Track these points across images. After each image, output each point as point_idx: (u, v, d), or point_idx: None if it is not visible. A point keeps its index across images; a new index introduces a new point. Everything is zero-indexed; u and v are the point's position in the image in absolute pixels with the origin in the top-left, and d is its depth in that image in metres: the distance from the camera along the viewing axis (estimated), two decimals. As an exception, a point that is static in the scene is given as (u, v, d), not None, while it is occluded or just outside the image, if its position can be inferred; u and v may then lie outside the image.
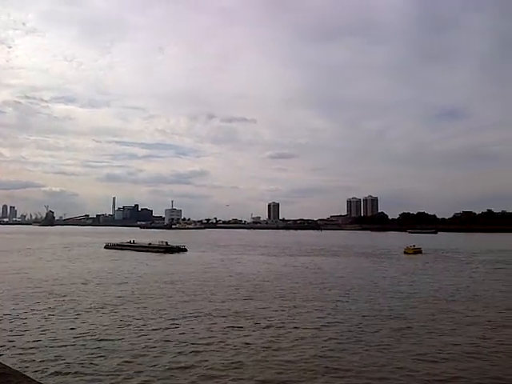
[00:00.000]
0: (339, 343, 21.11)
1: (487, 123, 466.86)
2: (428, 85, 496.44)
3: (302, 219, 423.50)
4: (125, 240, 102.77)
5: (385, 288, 39.24)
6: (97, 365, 18.18)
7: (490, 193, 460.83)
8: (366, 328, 24.12)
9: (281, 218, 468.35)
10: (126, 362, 18.55)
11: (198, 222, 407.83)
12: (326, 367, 17.78)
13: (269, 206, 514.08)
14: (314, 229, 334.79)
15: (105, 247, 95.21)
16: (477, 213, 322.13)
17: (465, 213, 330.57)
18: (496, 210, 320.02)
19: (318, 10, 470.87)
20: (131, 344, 21.05)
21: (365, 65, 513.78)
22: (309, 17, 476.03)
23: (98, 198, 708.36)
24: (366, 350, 19.98)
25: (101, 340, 21.75)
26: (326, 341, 21.56)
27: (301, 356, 19.13)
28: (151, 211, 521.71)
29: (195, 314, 27.54)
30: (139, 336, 22.50)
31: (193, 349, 20.26)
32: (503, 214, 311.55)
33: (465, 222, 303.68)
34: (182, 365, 18.21)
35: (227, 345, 20.88)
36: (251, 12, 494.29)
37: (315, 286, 40.38)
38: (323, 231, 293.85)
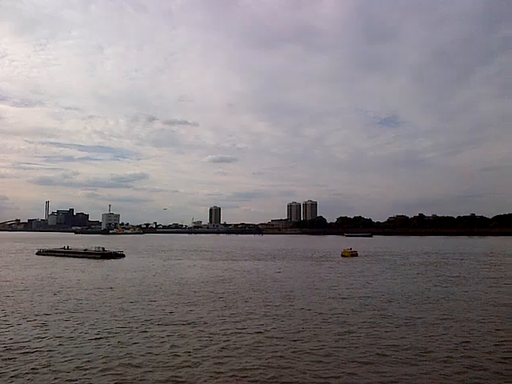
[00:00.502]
0: (282, 350, 21.12)
1: (420, 131, 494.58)
2: (366, 93, 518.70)
3: (244, 223, 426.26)
4: (59, 246, 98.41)
5: (324, 291, 39.98)
6: (27, 382, 17.05)
7: (421, 198, 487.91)
8: (307, 333, 24.33)
9: (222, 222, 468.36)
10: (59, 377, 17.53)
11: (137, 226, 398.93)
12: (270, 377, 17.68)
13: (210, 210, 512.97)
14: (255, 233, 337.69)
15: (37, 254, 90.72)
16: (409, 217, 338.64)
17: (398, 217, 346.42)
18: (427, 214, 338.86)
19: (261, 17, 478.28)
20: (65, 357, 19.93)
21: (306, 72, 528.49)
22: (253, 23, 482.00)
23: (31, 201, 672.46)
24: (308, 356, 20.15)
25: (32, 352, 20.45)
26: (268, 347, 21.51)
27: (244, 365, 18.91)
28: (87, 216, 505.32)
29: (135, 323, 26.59)
30: (74, 347, 21.37)
31: (132, 361, 19.45)
32: (434, 217, 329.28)
33: (398, 225, 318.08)
34: (122, 378, 17.43)
35: (168, 355, 20.28)
36: (195, 16, 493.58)
37: (257, 290, 40.44)
38: (264, 235, 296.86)
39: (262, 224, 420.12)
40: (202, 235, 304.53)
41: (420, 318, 28.24)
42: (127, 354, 20.33)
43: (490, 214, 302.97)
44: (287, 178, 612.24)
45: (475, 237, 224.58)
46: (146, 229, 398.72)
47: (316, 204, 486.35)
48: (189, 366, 18.58)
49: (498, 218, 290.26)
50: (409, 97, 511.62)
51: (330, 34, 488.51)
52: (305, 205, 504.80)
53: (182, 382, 16.97)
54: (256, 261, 76.44)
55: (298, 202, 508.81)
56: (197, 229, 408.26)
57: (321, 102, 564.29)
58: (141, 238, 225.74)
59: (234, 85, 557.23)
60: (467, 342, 22.39)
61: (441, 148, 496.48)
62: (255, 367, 18.43)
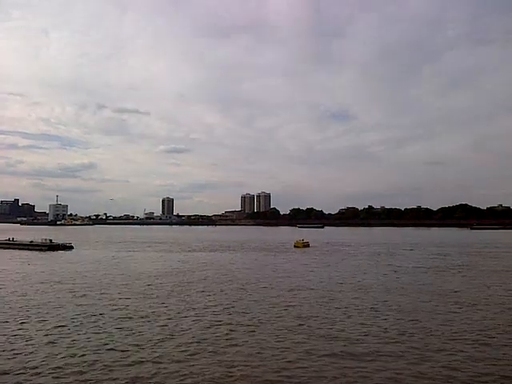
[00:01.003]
0: (239, 344, 21.04)
1: (369, 126, 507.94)
2: (317, 87, 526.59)
3: (197, 215, 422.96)
4: (3, 238, 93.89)
5: (279, 282, 40.25)
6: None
7: (370, 190, 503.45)
8: (264, 326, 24.36)
9: (175, 213, 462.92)
10: (5, 379, 16.62)
11: (86, 217, 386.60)
12: (228, 372, 17.55)
13: (163, 201, 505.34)
14: (208, 224, 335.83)
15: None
16: (359, 208, 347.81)
17: (348, 208, 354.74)
18: (376, 205, 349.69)
19: (214, 6, 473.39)
20: (12, 357, 18.92)
21: (259, 64, 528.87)
22: (205, 12, 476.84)
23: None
24: (266, 350, 20.16)
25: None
26: (226, 341, 21.37)
27: (202, 361, 18.71)
28: (33, 206, 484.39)
29: (86, 318, 25.65)
30: (22, 345, 20.33)
31: (87, 358, 18.69)
32: (382, 209, 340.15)
33: (349, 217, 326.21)
34: (77, 378, 16.71)
35: (124, 351, 19.68)
36: (146, 2, 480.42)
37: (213, 282, 40.15)
38: (218, 226, 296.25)
39: (215, 215, 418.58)
40: (155, 227, 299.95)
41: (372, 307, 28.96)
42: (81, 349, 19.57)
43: (434, 206, 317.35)
44: (241, 169, 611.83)
45: (421, 228, 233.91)
46: (96, 220, 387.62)
47: (269, 196, 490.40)
48: (146, 362, 18.05)
49: (442, 210, 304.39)
50: (359, 92, 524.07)
51: (283, 28, 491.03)
52: (258, 196, 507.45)
53: (142, 378, 16.44)
54: (210, 252, 76.07)
55: (251, 193, 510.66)
56: (149, 220, 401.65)
57: (273, 95, 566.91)
58: (90, 230, 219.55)
59: (187, 74, 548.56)
60: (416, 331, 23.09)
61: (389, 142, 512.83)
62: (213, 362, 18.21)
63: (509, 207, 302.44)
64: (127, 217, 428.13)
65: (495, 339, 21.43)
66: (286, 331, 22.90)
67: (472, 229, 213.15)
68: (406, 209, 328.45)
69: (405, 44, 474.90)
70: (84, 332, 22.58)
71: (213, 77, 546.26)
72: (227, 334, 22.35)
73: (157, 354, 19.00)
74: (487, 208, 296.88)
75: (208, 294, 34.04)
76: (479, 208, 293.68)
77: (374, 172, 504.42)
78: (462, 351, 19.53)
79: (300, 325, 24.24)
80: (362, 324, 24.35)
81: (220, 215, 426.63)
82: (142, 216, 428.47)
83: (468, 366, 17.75)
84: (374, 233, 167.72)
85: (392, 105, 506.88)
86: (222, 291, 35.29)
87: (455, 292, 35.08)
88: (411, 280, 41.60)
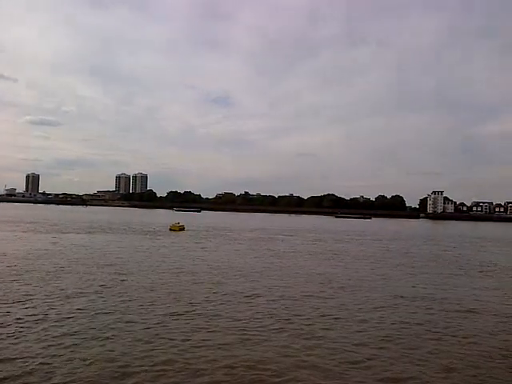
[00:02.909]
0: (112, 336, 20.47)
1: (248, 113, 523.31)
2: (200, 71, 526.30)
3: (66, 193, 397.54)
4: None
5: (156, 264, 39.74)
6: None
7: (247, 176, 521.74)
8: (137, 315, 23.97)
9: (41, 191, 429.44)
10: None
11: None
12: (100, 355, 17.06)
13: (27, 177, 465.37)
14: (78, 204, 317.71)
15: None
16: (236, 194, 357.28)
17: (226, 193, 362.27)
18: (252, 192, 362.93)
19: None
20: None
21: (141, 40, 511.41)
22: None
23: None
24: (140, 337, 19.91)
25: None
26: (98, 331, 20.65)
27: (68, 349, 17.87)
28: None
29: None
30: None
31: None
32: (258, 196, 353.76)
33: (226, 202, 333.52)
34: None
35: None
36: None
37: (88, 265, 38.06)
38: (89, 207, 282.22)
39: (86, 195, 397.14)
40: (17, 204, 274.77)
41: (251, 292, 30.09)
42: None
43: (305, 195, 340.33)
44: (116, 147, 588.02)
45: (293, 215, 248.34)
46: None
47: (146, 177, 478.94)
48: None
49: (311, 198, 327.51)
50: (241, 80, 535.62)
51: (171, 5, 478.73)
52: (134, 177, 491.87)
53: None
54: (83, 234, 71.93)
55: (127, 173, 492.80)
56: (10, 197, 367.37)
57: (154, 73, 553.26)
58: None
59: (62, 43, 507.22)
60: (290, 310, 24.63)
61: (266, 131, 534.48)
62: (80, 348, 17.51)
63: (369, 199, 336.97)
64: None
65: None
66: (167, 318, 22.71)
67: (336, 217, 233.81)
68: (279, 196, 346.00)
69: (287, 36, 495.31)
70: None
71: (90, 48, 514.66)
72: (105, 323, 21.46)
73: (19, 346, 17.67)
74: (350, 199, 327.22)
75: (82, 278, 32.25)
76: (344, 198, 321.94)
77: (252, 159, 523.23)
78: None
79: (187, 309, 24.30)
80: (244, 308, 25.27)
81: (92, 195, 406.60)
82: (1, 192, 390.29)
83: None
84: (252, 218, 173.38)
85: (272, 96, 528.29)
86: (98, 275, 33.70)
87: (323, 275, 37.76)
88: (287, 264, 43.95)
